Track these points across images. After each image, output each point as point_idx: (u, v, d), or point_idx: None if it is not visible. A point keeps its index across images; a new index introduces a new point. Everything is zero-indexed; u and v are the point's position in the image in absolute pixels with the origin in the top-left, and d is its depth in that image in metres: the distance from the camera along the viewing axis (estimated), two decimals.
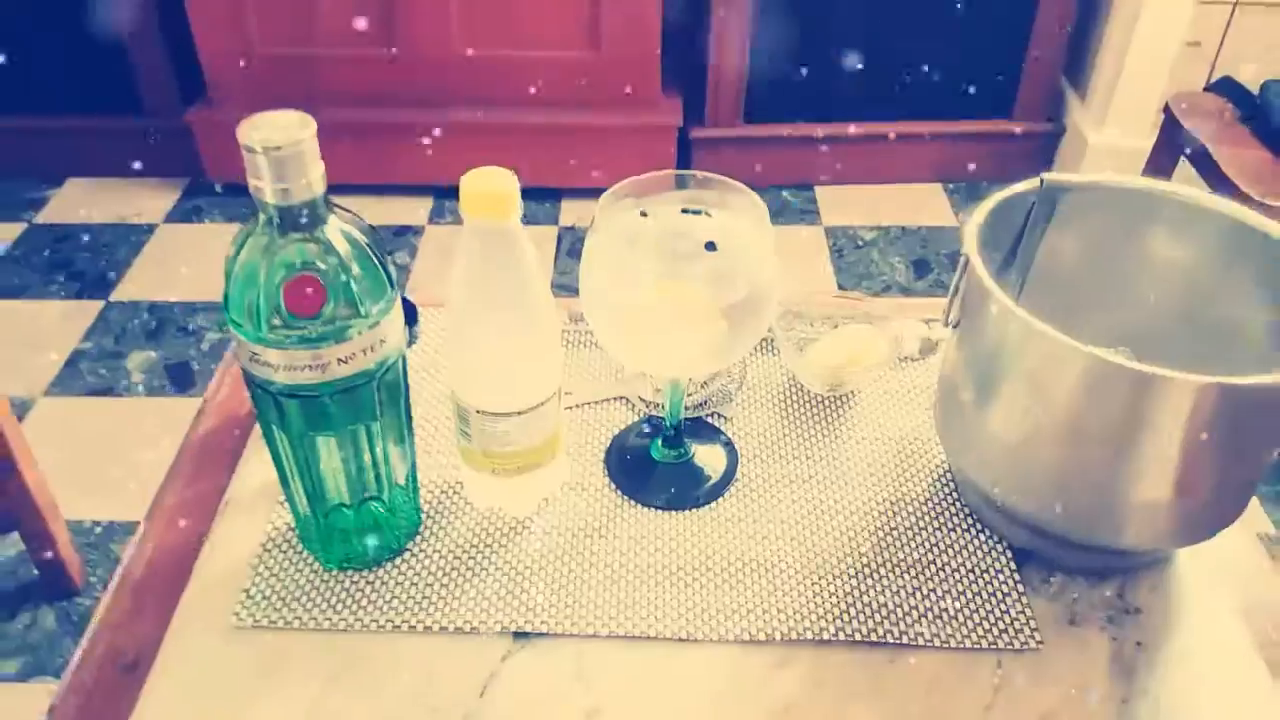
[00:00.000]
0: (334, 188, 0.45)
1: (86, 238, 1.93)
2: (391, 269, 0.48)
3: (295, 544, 0.57)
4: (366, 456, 0.52)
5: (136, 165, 2.08)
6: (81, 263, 1.87)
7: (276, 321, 0.45)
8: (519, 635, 0.53)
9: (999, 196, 0.56)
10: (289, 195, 0.44)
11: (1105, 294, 0.60)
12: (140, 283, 1.84)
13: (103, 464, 1.48)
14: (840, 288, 1.80)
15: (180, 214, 2.01)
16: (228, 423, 0.66)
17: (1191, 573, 0.57)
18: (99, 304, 1.78)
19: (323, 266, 0.45)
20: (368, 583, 0.55)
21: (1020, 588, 0.55)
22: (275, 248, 0.45)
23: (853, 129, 2.03)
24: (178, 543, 0.58)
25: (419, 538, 0.58)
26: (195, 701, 0.50)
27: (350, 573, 0.56)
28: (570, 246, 1.92)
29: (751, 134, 2.03)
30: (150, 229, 1.97)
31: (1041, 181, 0.57)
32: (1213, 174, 1.51)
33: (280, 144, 0.43)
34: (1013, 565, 0.56)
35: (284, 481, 0.53)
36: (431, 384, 0.68)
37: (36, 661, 1.22)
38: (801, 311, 0.70)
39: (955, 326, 0.55)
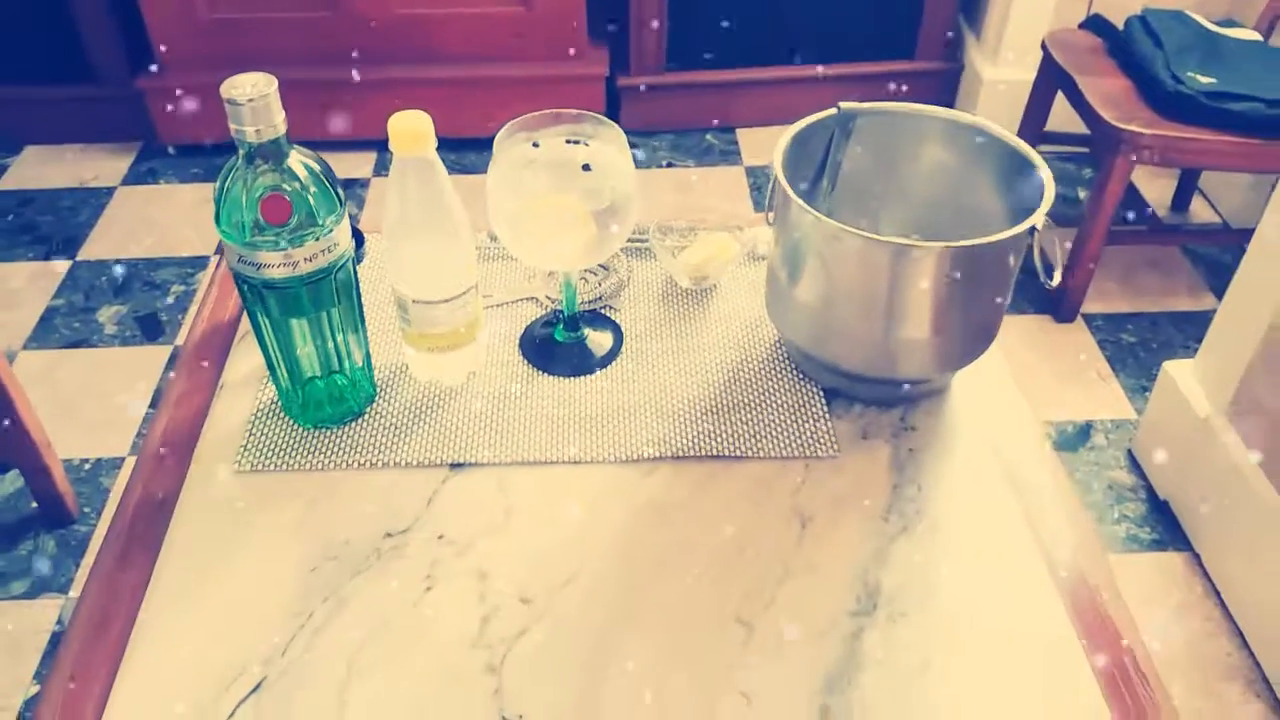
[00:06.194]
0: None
1: (48, 202, 2.03)
2: (340, 191, 0.64)
3: (278, 411, 0.74)
4: (330, 340, 0.68)
5: (91, 131, 2.17)
6: (46, 226, 1.98)
7: (256, 230, 0.61)
8: (455, 465, 0.70)
9: (802, 123, 0.73)
10: (261, 135, 0.59)
11: (894, 195, 0.78)
12: (104, 242, 1.95)
13: (85, 408, 1.60)
14: None
15: (136, 176, 2.12)
16: (214, 331, 0.82)
17: (957, 405, 0.75)
18: (67, 263, 1.89)
19: (288, 188, 0.61)
20: (336, 437, 0.72)
21: (826, 414, 0.74)
22: (252, 175, 0.61)
23: (767, 73, 2.17)
24: (187, 416, 0.74)
25: (375, 404, 0.74)
26: (210, 525, 0.67)
27: (322, 430, 0.73)
28: None
29: (673, 80, 2.15)
30: (109, 191, 2.08)
31: (838, 108, 0.74)
32: (1079, 101, 1.69)
33: (253, 96, 0.58)
34: (822, 400, 0.75)
35: (269, 363, 0.69)
36: (378, 293, 0.84)
37: (41, 583, 1.37)
38: (674, 226, 0.87)
39: (772, 225, 0.73)
